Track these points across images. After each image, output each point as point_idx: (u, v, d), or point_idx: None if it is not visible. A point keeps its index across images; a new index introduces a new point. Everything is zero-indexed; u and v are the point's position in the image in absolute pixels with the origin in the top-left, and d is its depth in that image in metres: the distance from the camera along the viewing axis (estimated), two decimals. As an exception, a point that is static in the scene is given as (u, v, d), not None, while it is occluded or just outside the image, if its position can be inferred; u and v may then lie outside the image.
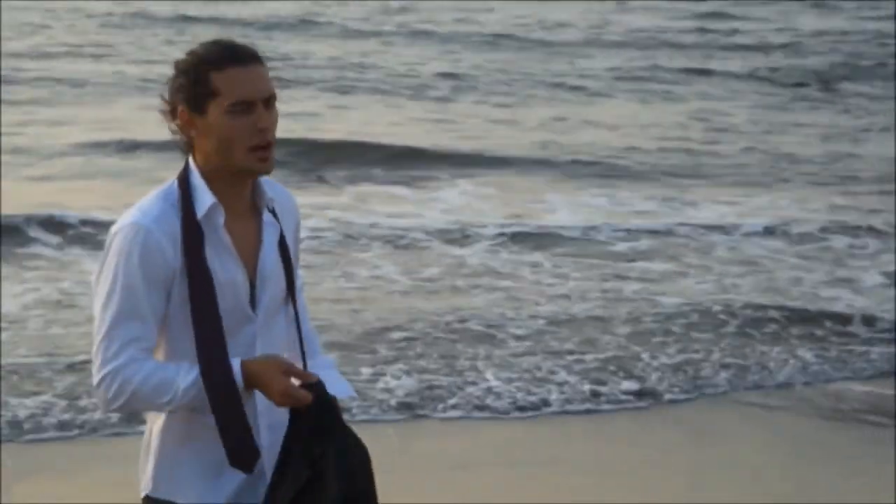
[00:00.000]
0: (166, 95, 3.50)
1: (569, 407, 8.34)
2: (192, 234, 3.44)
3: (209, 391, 3.37)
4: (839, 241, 12.45)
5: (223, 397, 3.38)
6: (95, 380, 3.43)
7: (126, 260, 3.41)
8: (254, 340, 3.53)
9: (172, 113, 3.49)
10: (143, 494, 3.59)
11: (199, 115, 3.45)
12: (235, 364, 3.40)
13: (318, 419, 3.39)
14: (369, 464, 3.49)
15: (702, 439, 7.95)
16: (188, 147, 3.53)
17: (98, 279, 3.46)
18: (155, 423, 3.56)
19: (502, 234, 12.19)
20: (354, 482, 3.42)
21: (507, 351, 9.27)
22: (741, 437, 7.97)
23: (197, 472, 3.52)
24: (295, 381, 3.43)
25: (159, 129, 3.59)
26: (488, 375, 8.74)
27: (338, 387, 3.70)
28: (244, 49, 3.48)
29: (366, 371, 8.73)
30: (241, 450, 3.42)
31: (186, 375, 3.40)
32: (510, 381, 8.66)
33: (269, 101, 3.47)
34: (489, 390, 8.51)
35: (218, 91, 3.43)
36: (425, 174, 14.47)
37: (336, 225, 12.16)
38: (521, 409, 8.29)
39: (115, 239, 3.45)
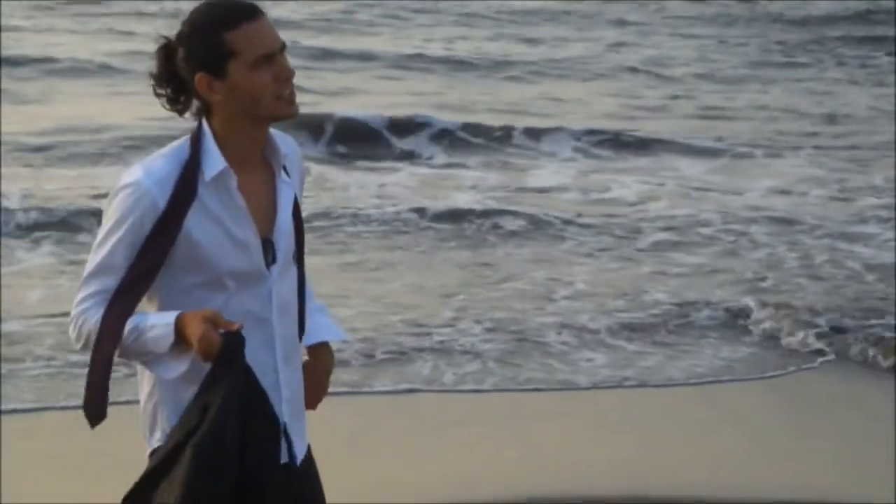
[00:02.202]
0: (156, 70, 3.50)
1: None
2: (183, 195, 3.46)
3: (95, 340, 3.44)
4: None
5: (100, 354, 3.44)
6: (70, 318, 3.56)
7: (121, 218, 3.46)
8: (270, 296, 3.57)
9: (173, 84, 3.49)
10: (157, 445, 3.58)
11: (220, 79, 3.45)
12: (172, 315, 3.42)
13: (216, 367, 3.37)
14: (270, 420, 3.46)
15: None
16: (203, 112, 3.52)
17: (102, 223, 3.52)
18: (156, 380, 3.57)
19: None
20: (219, 429, 3.36)
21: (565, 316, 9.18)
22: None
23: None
24: None
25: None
26: (559, 341, 8.66)
27: (330, 331, 3.84)
28: (249, 4, 3.47)
29: (439, 337, 8.62)
30: (93, 406, 3.46)
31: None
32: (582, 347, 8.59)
33: (283, 48, 3.50)
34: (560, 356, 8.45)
35: (237, 50, 3.42)
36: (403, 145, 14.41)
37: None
38: (601, 380, 8.16)
39: (118, 195, 3.48)
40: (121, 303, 3.44)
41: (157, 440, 3.59)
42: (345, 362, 7.80)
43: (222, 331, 3.36)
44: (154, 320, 3.43)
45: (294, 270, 3.67)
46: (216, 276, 3.50)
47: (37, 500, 6.24)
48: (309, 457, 3.73)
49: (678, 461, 6.93)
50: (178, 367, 3.45)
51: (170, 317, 3.41)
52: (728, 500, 6.45)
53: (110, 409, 3.44)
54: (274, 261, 3.57)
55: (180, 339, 3.41)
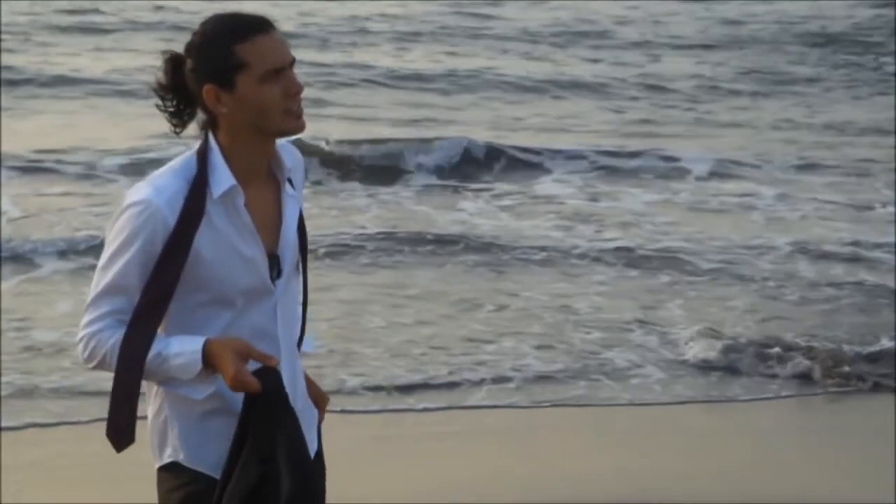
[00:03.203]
0: (162, 81, 3.47)
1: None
2: (192, 215, 3.43)
3: (118, 362, 3.41)
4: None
5: (126, 376, 3.41)
6: (77, 338, 3.51)
7: (130, 237, 3.42)
8: (274, 310, 3.56)
9: (178, 96, 3.46)
10: (167, 461, 3.58)
11: (228, 91, 3.42)
12: (199, 342, 3.40)
13: (266, 409, 3.39)
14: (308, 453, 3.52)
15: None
16: (209, 125, 3.49)
17: (106, 241, 3.49)
18: (165, 396, 3.56)
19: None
20: (304, 472, 3.42)
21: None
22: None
23: (224, 447, 3.50)
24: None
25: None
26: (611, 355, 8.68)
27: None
28: (261, 17, 3.46)
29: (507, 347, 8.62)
30: (120, 429, 3.45)
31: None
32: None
33: (293, 63, 3.48)
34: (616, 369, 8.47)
35: (246, 63, 3.40)
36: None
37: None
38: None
39: (126, 212, 3.44)
40: (142, 325, 3.40)
41: (168, 455, 3.57)
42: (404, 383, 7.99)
43: (253, 368, 3.37)
44: (178, 347, 3.40)
45: (296, 282, 3.65)
46: (223, 294, 3.47)
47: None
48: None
49: (685, 470, 7.01)
50: (206, 389, 3.47)
51: (196, 344, 3.39)
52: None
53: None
54: (279, 275, 3.55)
55: (207, 365, 3.39)
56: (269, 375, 3.38)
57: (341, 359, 8.35)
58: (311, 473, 3.42)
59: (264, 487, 3.36)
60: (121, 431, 3.44)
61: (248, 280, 3.49)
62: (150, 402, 3.59)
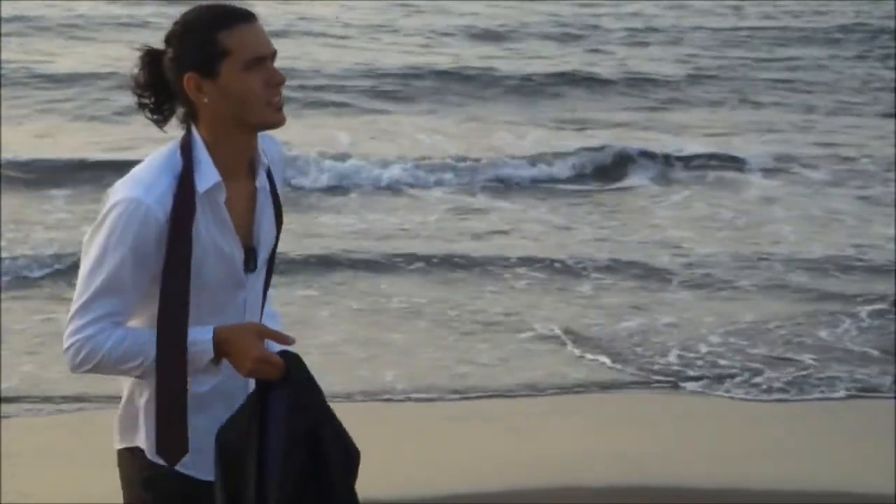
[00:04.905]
0: (140, 77, 3.44)
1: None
2: (185, 211, 3.39)
3: (159, 373, 3.38)
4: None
5: (171, 388, 3.39)
6: (65, 344, 3.43)
7: (120, 236, 3.37)
8: (244, 304, 3.55)
9: (157, 90, 3.42)
10: (133, 445, 3.56)
11: (211, 79, 3.39)
12: (208, 332, 3.39)
13: (298, 388, 3.37)
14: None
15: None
16: (190, 116, 3.45)
17: (90, 242, 3.41)
18: (145, 388, 3.51)
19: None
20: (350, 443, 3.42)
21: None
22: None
23: (198, 445, 3.47)
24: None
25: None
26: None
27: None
28: (242, 8, 3.45)
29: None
30: (172, 439, 3.43)
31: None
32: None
33: (274, 56, 3.46)
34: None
35: (229, 50, 3.38)
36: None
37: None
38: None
39: (114, 210, 3.38)
40: (171, 332, 3.37)
41: (134, 440, 3.55)
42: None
43: (279, 350, 3.37)
44: (189, 338, 3.38)
45: (263, 272, 3.64)
46: (197, 289, 3.42)
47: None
48: None
49: (684, 455, 7.06)
50: (210, 380, 3.47)
51: (205, 333, 3.39)
52: (739, 490, 6.60)
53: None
54: (254, 269, 3.55)
55: (218, 353, 3.39)
56: (292, 358, 3.38)
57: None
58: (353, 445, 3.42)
59: (314, 465, 3.35)
60: (176, 443, 3.42)
61: (222, 275, 3.48)
62: (125, 388, 3.57)
